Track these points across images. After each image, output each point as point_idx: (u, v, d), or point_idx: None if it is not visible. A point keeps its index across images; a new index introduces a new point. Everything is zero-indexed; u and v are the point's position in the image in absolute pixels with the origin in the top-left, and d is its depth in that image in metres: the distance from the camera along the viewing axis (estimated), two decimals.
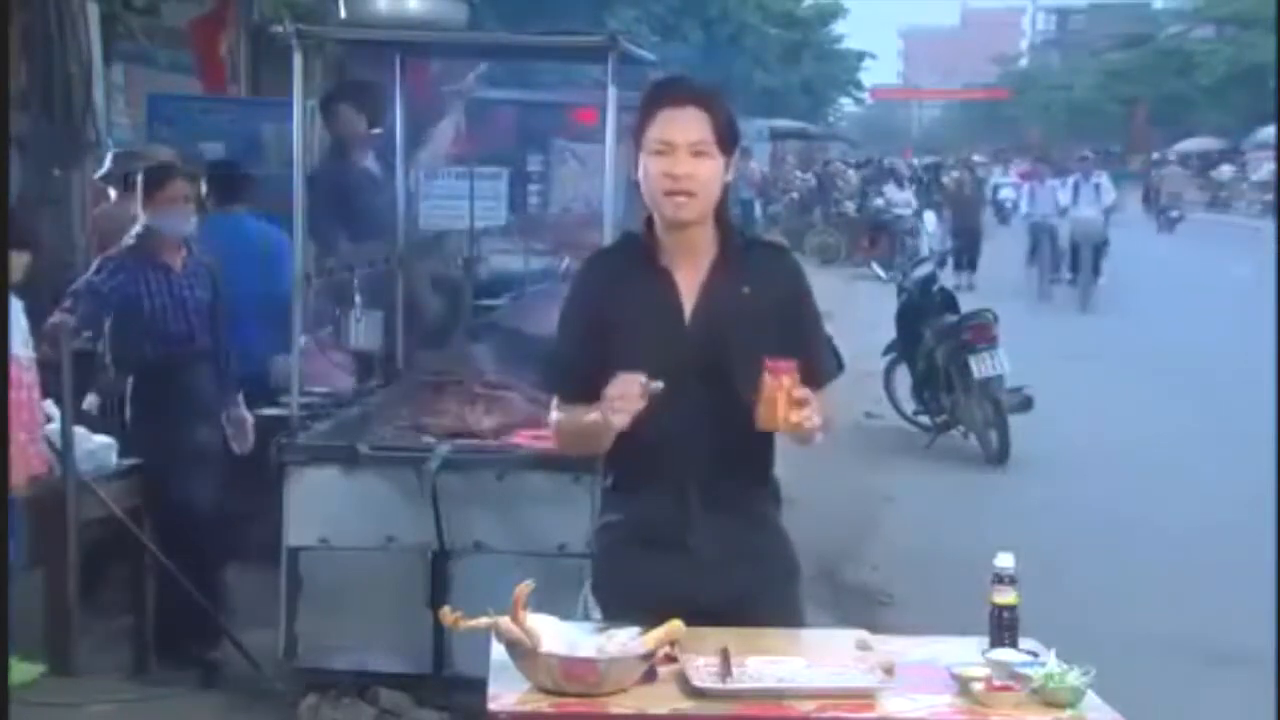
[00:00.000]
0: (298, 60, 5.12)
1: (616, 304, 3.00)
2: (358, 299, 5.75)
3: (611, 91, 4.97)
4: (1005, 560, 2.78)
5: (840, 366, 3.14)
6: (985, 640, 2.78)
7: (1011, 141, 62.63)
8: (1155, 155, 46.79)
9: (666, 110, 2.93)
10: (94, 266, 5.40)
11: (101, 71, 8.54)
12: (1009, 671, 2.61)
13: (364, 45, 6.26)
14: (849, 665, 2.69)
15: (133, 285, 5.38)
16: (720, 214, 3.01)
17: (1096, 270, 18.54)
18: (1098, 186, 18.78)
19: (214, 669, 5.27)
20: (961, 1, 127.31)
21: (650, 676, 2.60)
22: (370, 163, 6.82)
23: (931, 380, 10.35)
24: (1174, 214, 33.69)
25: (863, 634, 2.89)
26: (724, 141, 2.94)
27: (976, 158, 38.80)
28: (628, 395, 2.78)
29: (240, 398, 5.69)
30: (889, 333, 11.12)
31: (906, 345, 10.77)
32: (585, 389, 2.92)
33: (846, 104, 60.25)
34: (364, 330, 5.80)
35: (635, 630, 2.64)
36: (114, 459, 5.33)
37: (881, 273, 20.59)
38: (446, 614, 2.70)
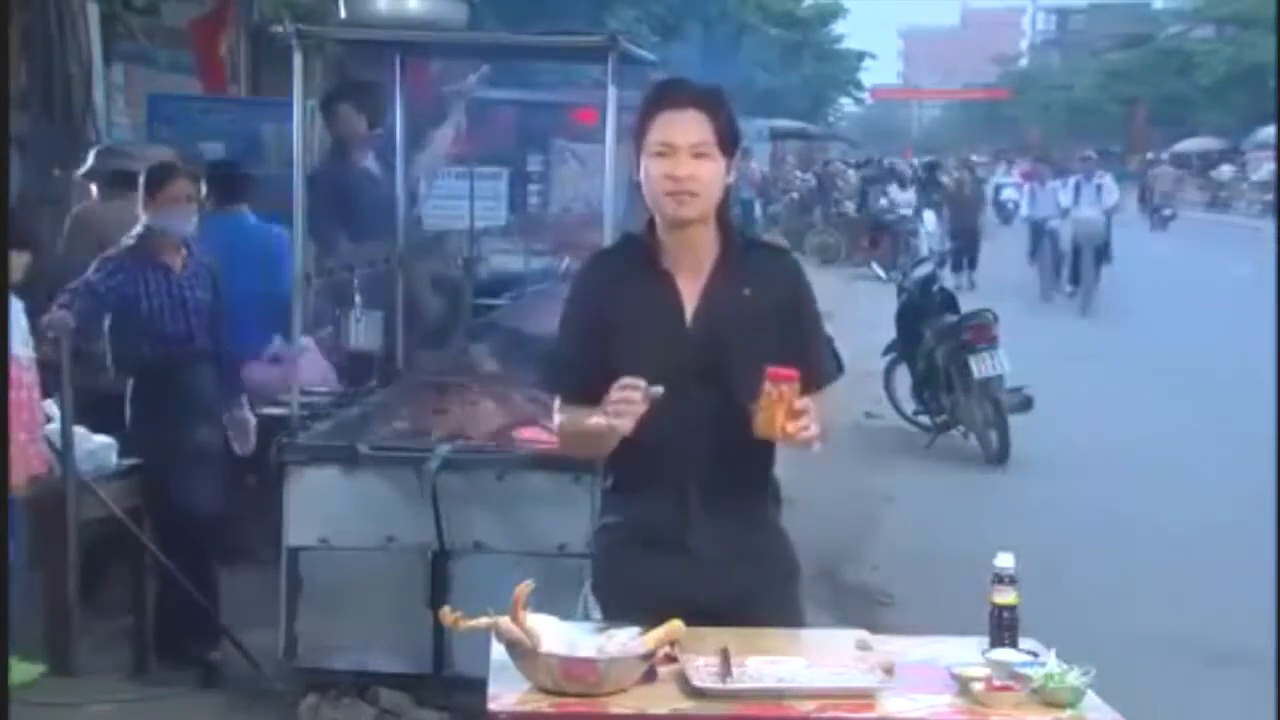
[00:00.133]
0: (298, 60, 5.12)
1: (617, 305, 3.00)
2: (358, 299, 5.75)
3: (611, 91, 4.97)
4: (1005, 560, 2.78)
5: (840, 368, 3.14)
6: (985, 640, 2.78)
7: (1011, 141, 62.63)
8: (1149, 155, 46.79)
9: (667, 112, 2.93)
10: (93, 266, 5.39)
11: (101, 71, 8.55)
12: (1009, 671, 2.61)
13: (364, 45, 6.27)
14: (849, 665, 2.69)
15: (131, 285, 5.37)
16: (721, 215, 3.01)
17: (1097, 275, 18.44)
18: (1099, 187, 18.62)
19: (214, 669, 5.27)
20: (961, 1, 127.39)
21: (650, 676, 2.60)
22: (370, 163, 6.82)
23: (931, 380, 10.35)
24: (1166, 212, 33.80)
25: (863, 634, 2.89)
26: (725, 142, 2.94)
27: (975, 158, 38.78)
28: (630, 399, 2.78)
29: (244, 399, 5.69)
30: (889, 333, 11.12)
31: (906, 345, 10.77)
32: (586, 389, 2.92)
33: (846, 104, 60.39)
34: (364, 330, 5.81)
35: (635, 630, 2.64)
36: (114, 459, 5.33)
37: (881, 273, 20.64)
38: (446, 614, 2.70)
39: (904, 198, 24.13)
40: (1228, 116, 50.34)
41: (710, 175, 2.93)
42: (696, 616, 2.72)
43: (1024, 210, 21.12)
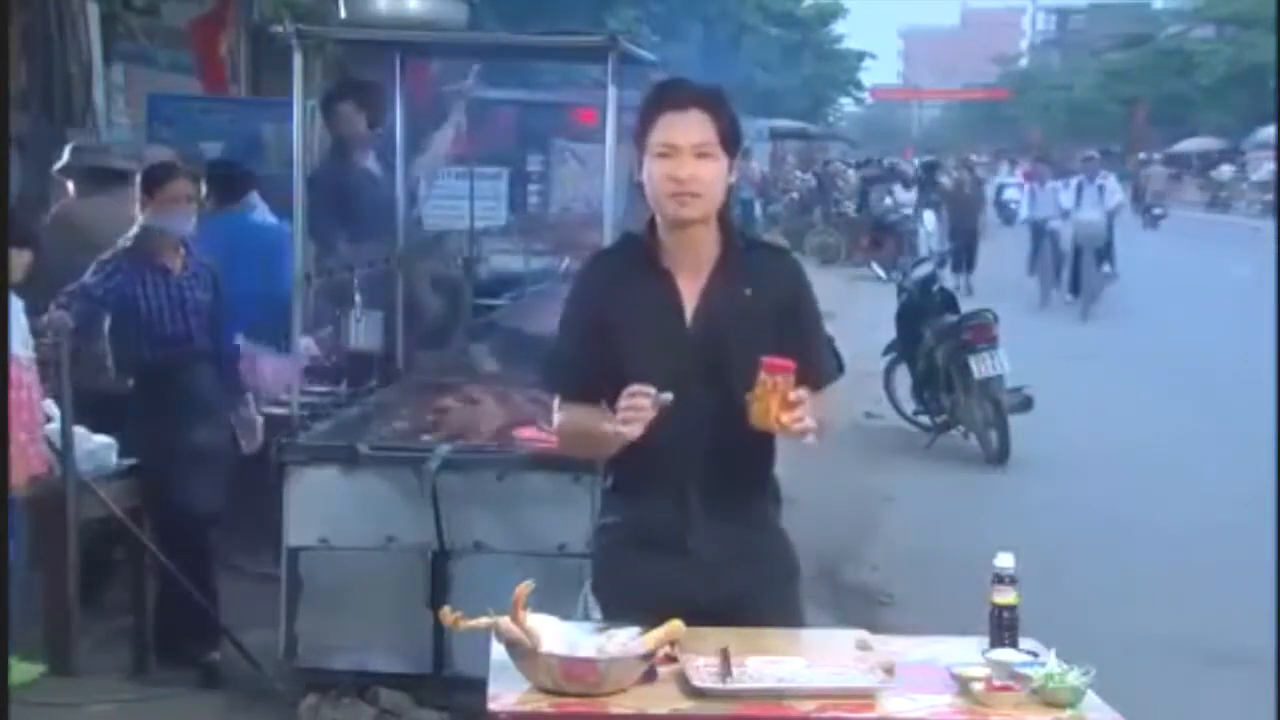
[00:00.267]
0: (298, 60, 5.12)
1: (618, 305, 3.00)
2: (358, 299, 5.75)
3: (611, 91, 4.97)
4: (1005, 560, 2.79)
5: (840, 368, 3.15)
6: (985, 640, 2.78)
7: (1011, 142, 62.63)
8: (1142, 155, 46.77)
9: (669, 113, 2.93)
10: (91, 268, 5.38)
11: (101, 71, 8.56)
12: (1009, 671, 2.61)
13: (364, 45, 6.27)
14: (849, 665, 2.69)
15: (130, 286, 5.36)
16: (722, 215, 3.01)
17: (1098, 280, 18.32)
18: (1101, 188, 18.51)
19: (214, 669, 5.27)
20: (961, 1, 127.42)
21: (650, 676, 2.60)
22: (370, 163, 6.81)
23: (931, 380, 10.35)
24: (1156, 211, 33.89)
25: (863, 634, 2.89)
26: (727, 142, 2.95)
27: (975, 158, 38.76)
28: (639, 406, 2.78)
29: (249, 398, 5.68)
30: (889, 333, 11.12)
31: (906, 345, 10.77)
32: (586, 389, 2.92)
33: (846, 104, 60.31)
34: (364, 330, 5.80)
35: (635, 630, 2.64)
36: (114, 459, 5.33)
37: (881, 273, 20.61)
38: (446, 614, 2.70)
39: (907, 198, 24.12)
40: (1228, 116, 50.35)
41: (713, 175, 2.93)
42: (696, 616, 2.72)
43: (1024, 212, 20.91)
